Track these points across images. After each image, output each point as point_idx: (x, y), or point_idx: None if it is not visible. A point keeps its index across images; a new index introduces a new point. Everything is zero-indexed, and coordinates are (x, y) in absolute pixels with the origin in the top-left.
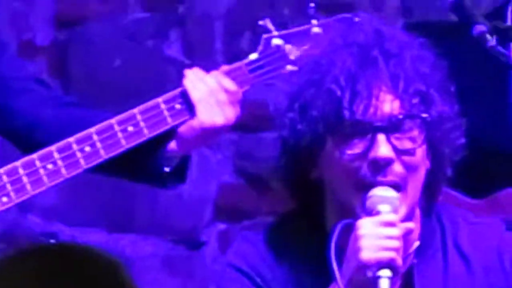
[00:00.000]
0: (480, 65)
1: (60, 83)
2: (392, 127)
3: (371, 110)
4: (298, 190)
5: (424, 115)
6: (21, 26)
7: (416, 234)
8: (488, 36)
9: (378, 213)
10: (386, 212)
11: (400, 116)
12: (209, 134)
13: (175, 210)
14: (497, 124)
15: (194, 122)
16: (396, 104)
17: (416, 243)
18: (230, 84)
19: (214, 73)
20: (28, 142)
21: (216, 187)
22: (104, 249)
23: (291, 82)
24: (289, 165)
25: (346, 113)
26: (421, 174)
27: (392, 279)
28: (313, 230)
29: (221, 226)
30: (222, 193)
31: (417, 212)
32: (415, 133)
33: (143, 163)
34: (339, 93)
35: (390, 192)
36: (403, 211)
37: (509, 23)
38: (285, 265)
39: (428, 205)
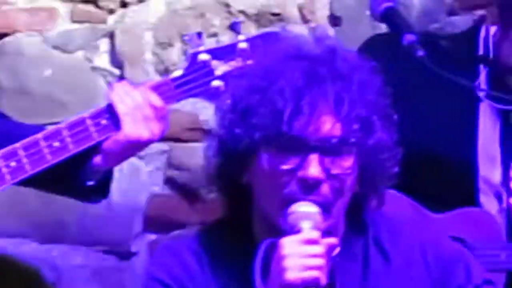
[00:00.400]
0: (411, 75)
1: None
2: (327, 149)
3: (310, 128)
4: (228, 192)
5: (362, 142)
6: None
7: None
8: (417, 46)
9: (300, 230)
10: (307, 229)
11: (337, 140)
12: (135, 149)
13: (106, 221)
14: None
15: (120, 136)
16: (337, 127)
17: (337, 250)
18: (156, 100)
19: (141, 87)
20: None
21: (147, 198)
22: (32, 260)
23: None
24: (221, 165)
25: (285, 127)
26: (348, 196)
27: None
28: (241, 238)
29: (151, 237)
30: (152, 204)
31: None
32: (350, 159)
33: (67, 178)
34: (281, 105)
35: (311, 208)
36: (324, 226)
37: (481, 43)
38: (210, 273)
39: (351, 220)
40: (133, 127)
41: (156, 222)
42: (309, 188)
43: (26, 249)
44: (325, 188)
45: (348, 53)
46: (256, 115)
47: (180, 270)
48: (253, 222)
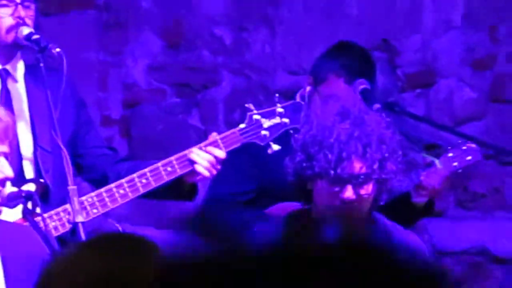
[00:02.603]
0: None
1: (126, 142)
2: (357, 182)
3: (347, 170)
4: (301, 194)
5: (378, 177)
6: (102, 106)
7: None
8: (381, 110)
9: None
10: None
11: (363, 177)
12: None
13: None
14: None
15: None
16: (363, 169)
17: None
18: (222, 154)
19: (214, 141)
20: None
21: None
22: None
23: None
24: (296, 180)
25: (332, 171)
26: (368, 206)
27: None
28: (308, 215)
29: None
30: None
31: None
32: (370, 186)
33: (175, 189)
34: (330, 156)
35: None
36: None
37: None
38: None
39: (369, 218)
40: (202, 169)
41: None
42: (347, 204)
43: (146, 232)
44: (356, 204)
45: (371, 117)
46: (315, 160)
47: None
48: (314, 211)
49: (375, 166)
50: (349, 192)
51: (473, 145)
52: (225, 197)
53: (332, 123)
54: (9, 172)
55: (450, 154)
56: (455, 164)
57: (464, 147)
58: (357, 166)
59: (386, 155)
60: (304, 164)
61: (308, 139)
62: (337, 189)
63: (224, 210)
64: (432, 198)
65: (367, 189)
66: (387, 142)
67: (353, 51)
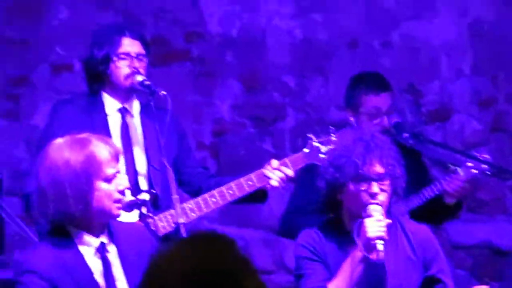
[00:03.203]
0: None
1: (216, 162)
2: (379, 179)
3: (371, 171)
4: (331, 205)
5: (393, 174)
6: (197, 135)
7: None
8: (409, 139)
9: (371, 215)
10: (377, 215)
11: (383, 174)
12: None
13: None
14: None
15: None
16: (382, 169)
17: (389, 221)
18: (291, 173)
19: (286, 162)
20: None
21: None
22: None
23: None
24: (328, 192)
25: (360, 172)
26: (389, 199)
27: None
28: (339, 226)
29: None
30: None
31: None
32: (388, 181)
33: (252, 196)
34: (356, 162)
35: (377, 207)
36: (383, 213)
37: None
38: (329, 243)
39: (388, 211)
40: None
41: None
42: (374, 197)
43: (228, 230)
44: (380, 196)
45: (383, 137)
46: (345, 169)
47: (313, 241)
48: (344, 218)
49: (390, 167)
50: (375, 188)
51: (487, 156)
52: (304, 206)
53: (352, 142)
54: (127, 184)
55: (469, 164)
56: (474, 171)
57: (481, 157)
58: (377, 167)
59: (395, 160)
60: (336, 175)
61: (336, 156)
62: (364, 186)
63: (305, 215)
64: (460, 199)
65: (387, 185)
66: (393, 152)
67: (372, 73)
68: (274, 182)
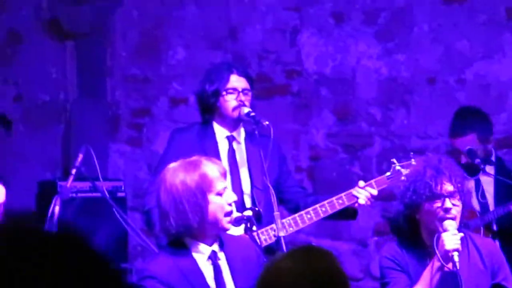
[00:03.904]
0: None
1: (311, 183)
2: (450, 195)
3: (443, 191)
4: (410, 224)
5: (461, 190)
6: (295, 159)
7: None
8: (480, 162)
9: (447, 230)
10: (452, 229)
11: (454, 192)
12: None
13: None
14: None
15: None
16: (451, 187)
17: (461, 234)
18: (374, 191)
19: (369, 187)
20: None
21: None
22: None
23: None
24: (406, 213)
25: (435, 191)
26: (460, 212)
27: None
28: (417, 240)
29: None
30: None
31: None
32: (458, 197)
33: (343, 213)
34: (430, 183)
35: (452, 222)
36: (456, 227)
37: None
38: (409, 257)
39: (460, 225)
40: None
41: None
42: (448, 211)
43: (324, 243)
44: (453, 211)
45: (449, 159)
46: (420, 189)
47: (396, 253)
48: (422, 234)
49: (459, 185)
50: (448, 203)
51: None
52: None
53: (423, 167)
54: (235, 197)
55: None
56: None
57: None
58: (448, 185)
59: (462, 178)
60: (414, 197)
61: (411, 181)
62: (439, 203)
63: None
64: None
65: (457, 200)
66: (460, 172)
67: (483, 116)
68: (362, 201)
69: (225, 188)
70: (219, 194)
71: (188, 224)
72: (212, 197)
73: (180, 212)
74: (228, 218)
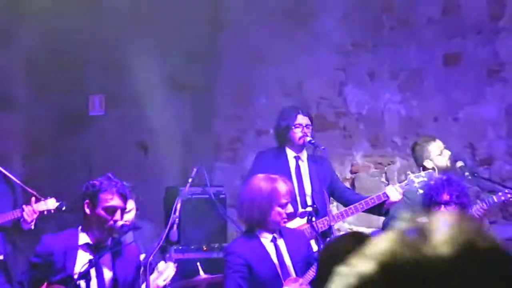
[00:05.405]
0: None
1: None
2: (446, 203)
3: (441, 198)
4: None
5: (457, 201)
6: (341, 173)
7: None
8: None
9: None
10: None
11: (448, 201)
12: None
13: None
14: None
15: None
16: (447, 197)
17: None
18: (399, 189)
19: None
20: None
21: None
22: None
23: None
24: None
25: (433, 199)
26: None
27: None
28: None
29: None
30: None
31: None
32: (453, 206)
33: (377, 209)
34: (442, 200)
35: None
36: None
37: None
38: None
39: None
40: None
41: None
42: None
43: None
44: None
45: (450, 175)
46: (425, 200)
47: None
48: None
49: (454, 196)
50: (443, 210)
51: None
52: None
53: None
54: (292, 210)
55: (506, 191)
56: (509, 195)
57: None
58: (445, 196)
59: (459, 191)
60: (423, 205)
61: (426, 194)
62: (437, 209)
63: None
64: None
65: (452, 209)
66: (458, 185)
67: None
68: (393, 199)
69: (287, 203)
70: (282, 206)
71: (252, 218)
72: (276, 208)
73: (250, 208)
74: (283, 221)
